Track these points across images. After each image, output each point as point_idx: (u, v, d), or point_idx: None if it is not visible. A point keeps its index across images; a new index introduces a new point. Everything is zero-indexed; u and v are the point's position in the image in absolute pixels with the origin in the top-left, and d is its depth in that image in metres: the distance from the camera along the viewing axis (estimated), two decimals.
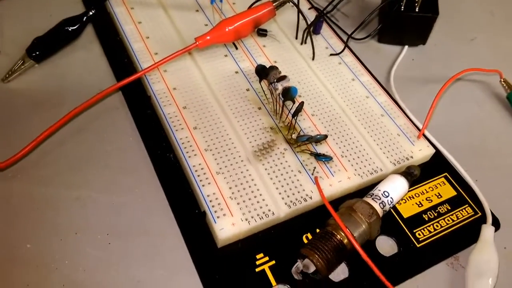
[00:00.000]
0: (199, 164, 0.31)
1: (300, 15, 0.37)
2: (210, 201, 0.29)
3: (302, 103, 0.32)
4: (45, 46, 0.36)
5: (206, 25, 0.40)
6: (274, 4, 0.33)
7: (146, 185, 0.32)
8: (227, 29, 0.33)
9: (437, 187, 0.34)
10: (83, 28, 0.38)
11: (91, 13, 0.38)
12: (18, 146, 0.30)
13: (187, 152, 0.31)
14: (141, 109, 0.35)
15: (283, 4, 0.34)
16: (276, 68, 0.34)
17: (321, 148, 0.33)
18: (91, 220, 0.30)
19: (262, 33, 0.39)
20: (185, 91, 0.35)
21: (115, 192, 0.31)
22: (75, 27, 0.37)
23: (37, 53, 0.36)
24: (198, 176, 0.30)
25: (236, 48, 0.38)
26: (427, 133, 0.36)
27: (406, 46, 0.44)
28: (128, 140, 0.34)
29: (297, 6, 0.35)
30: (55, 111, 0.33)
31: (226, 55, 0.38)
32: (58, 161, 0.32)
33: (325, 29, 0.42)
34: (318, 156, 0.31)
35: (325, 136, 0.32)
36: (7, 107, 0.34)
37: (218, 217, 0.28)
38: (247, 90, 0.36)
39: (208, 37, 0.32)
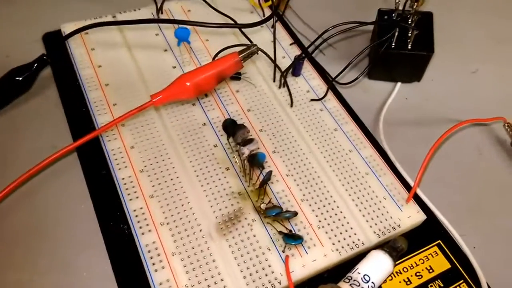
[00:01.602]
0: (153, 243, 0.27)
1: (274, 63, 0.32)
2: None
3: (270, 173, 0.28)
4: None
5: (174, 67, 0.36)
6: (240, 56, 0.29)
7: (95, 265, 0.28)
8: (187, 84, 0.29)
9: (428, 259, 0.30)
10: (35, 77, 0.34)
11: (36, 65, 0.34)
12: None
13: (140, 228, 0.28)
14: (95, 169, 0.31)
15: (251, 55, 0.30)
16: (244, 127, 0.30)
17: (295, 218, 0.29)
18: None
19: (236, 76, 0.35)
20: (144, 150, 0.31)
21: (59, 272, 0.28)
22: (26, 76, 0.33)
23: None
24: (151, 258, 0.27)
25: (206, 95, 0.34)
26: (417, 190, 0.32)
27: (399, 83, 0.40)
28: (79, 207, 0.30)
29: (271, 58, 0.31)
30: (2, 172, 0.30)
31: (194, 104, 0.34)
32: None
33: (307, 67, 0.37)
34: (287, 238, 0.27)
35: (295, 213, 0.28)
36: None
37: None
38: (215, 146, 0.32)
39: (160, 96, 0.28)
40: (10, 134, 0.33)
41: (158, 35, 0.38)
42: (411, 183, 0.32)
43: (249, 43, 0.32)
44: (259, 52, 0.32)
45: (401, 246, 0.28)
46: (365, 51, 0.36)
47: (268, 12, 0.41)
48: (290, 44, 0.39)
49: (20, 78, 0.33)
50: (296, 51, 0.38)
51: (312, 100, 0.35)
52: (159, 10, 0.39)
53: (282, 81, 0.35)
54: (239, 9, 0.40)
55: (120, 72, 0.35)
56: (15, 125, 0.34)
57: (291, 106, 0.35)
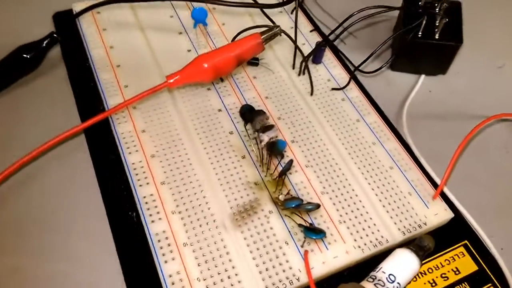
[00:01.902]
0: (163, 232, 0.25)
1: (295, 46, 0.31)
2: (173, 283, 0.24)
3: (290, 162, 0.26)
4: None
5: (189, 50, 0.34)
6: (262, 37, 0.28)
7: (99, 252, 0.26)
8: (205, 66, 0.27)
9: (454, 260, 0.28)
10: (44, 55, 0.33)
11: (45, 42, 0.32)
12: None
13: (150, 215, 0.26)
14: (103, 153, 0.29)
15: (273, 36, 0.28)
16: (264, 113, 0.28)
17: (315, 212, 0.27)
18: None
19: (253, 62, 0.33)
20: (156, 134, 0.29)
21: (60, 259, 0.26)
22: (34, 54, 0.32)
23: None
24: (161, 248, 0.25)
25: (222, 80, 0.33)
26: (444, 188, 0.30)
27: (423, 75, 0.38)
28: (85, 193, 0.29)
29: (294, 41, 0.29)
30: (5, 154, 0.28)
31: (209, 89, 0.32)
32: None
33: (328, 55, 0.36)
34: (308, 232, 0.25)
35: (318, 206, 0.26)
36: None
37: None
38: (231, 133, 0.30)
39: (177, 77, 0.27)
40: (16, 113, 0.32)
41: (173, 17, 0.37)
42: (437, 179, 0.30)
43: (271, 25, 0.30)
44: (278, 37, 0.30)
45: (428, 245, 0.26)
46: (387, 36, 0.34)
47: None
48: (310, 31, 0.37)
49: (28, 56, 0.31)
50: (316, 38, 0.37)
51: (333, 89, 0.33)
52: None
53: (303, 67, 0.33)
54: None
55: (132, 54, 0.34)
56: (21, 104, 0.32)
57: (311, 94, 0.33)
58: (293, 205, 0.26)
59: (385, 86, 0.37)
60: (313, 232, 0.25)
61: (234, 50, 0.27)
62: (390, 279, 0.24)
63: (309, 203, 0.26)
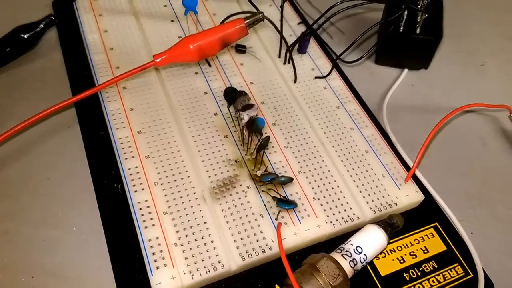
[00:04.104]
0: (145, 201, 0.27)
1: (280, 35, 0.32)
2: (151, 247, 0.25)
3: (267, 138, 0.28)
4: None
5: (180, 37, 0.36)
6: (246, 22, 0.29)
7: (85, 220, 0.28)
8: (190, 47, 0.28)
9: (424, 240, 0.29)
10: (41, 36, 0.34)
11: (43, 24, 0.34)
12: None
13: (133, 186, 0.27)
14: (93, 129, 0.31)
15: (256, 22, 0.29)
16: (245, 94, 0.30)
17: (291, 188, 0.28)
18: (17, 258, 0.26)
19: (241, 49, 0.35)
20: (143, 113, 0.31)
21: (49, 226, 0.27)
22: (31, 35, 0.33)
23: None
24: (142, 215, 0.26)
25: (210, 66, 0.34)
26: (418, 173, 0.31)
27: (406, 70, 0.39)
28: (74, 165, 0.30)
29: (278, 29, 0.31)
30: (0, 127, 0.30)
31: (197, 73, 0.34)
32: None
33: (313, 47, 0.37)
34: (281, 202, 0.26)
35: (291, 179, 0.27)
36: None
37: (157, 267, 0.24)
38: (215, 114, 0.32)
39: (165, 56, 0.28)
40: (13, 89, 0.33)
41: (167, 6, 0.38)
42: (411, 164, 0.32)
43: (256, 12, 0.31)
44: (266, 26, 0.31)
45: (396, 223, 0.27)
46: (373, 31, 0.35)
47: None
48: (298, 24, 0.39)
49: (25, 36, 0.33)
50: (303, 30, 0.38)
51: (316, 77, 0.35)
52: None
53: (287, 56, 0.34)
54: None
55: (125, 38, 0.35)
56: (18, 81, 0.34)
57: (295, 81, 0.34)
58: (269, 179, 0.27)
59: (369, 78, 0.39)
60: (285, 203, 0.26)
61: (218, 33, 0.29)
62: (357, 250, 0.25)
63: (283, 176, 0.28)
